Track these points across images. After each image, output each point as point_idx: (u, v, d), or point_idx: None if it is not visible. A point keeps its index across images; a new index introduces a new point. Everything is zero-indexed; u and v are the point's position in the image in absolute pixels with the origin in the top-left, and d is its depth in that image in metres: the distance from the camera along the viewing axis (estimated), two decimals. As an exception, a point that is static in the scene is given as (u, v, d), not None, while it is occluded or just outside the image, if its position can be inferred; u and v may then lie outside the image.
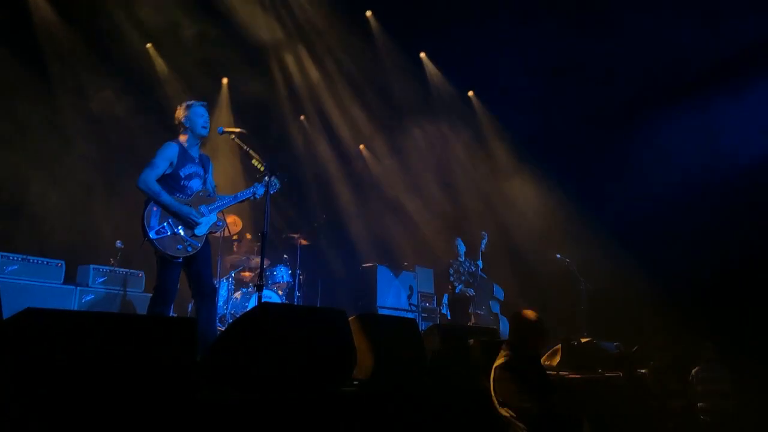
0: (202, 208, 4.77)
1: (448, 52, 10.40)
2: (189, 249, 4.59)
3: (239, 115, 10.34)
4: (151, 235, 4.45)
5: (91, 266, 7.01)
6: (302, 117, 11.62)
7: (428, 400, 3.81)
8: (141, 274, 7.54)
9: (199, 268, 4.72)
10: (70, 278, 6.86)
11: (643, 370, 6.39)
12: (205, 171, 5.01)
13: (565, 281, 9.02)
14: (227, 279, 8.39)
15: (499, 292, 9.14)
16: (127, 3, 8.66)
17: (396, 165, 11.47)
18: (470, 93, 11.30)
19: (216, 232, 4.92)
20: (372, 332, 3.87)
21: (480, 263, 9.03)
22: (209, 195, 4.91)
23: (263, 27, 9.45)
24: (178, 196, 4.68)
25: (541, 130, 10.19)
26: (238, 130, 5.09)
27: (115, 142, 8.82)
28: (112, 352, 2.21)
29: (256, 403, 2.67)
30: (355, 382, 3.51)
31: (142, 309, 7.35)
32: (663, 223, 8.75)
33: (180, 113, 4.89)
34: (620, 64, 9.03)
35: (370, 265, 9.69)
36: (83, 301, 6.78)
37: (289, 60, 10.34)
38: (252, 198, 5.07)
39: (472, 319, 8.63)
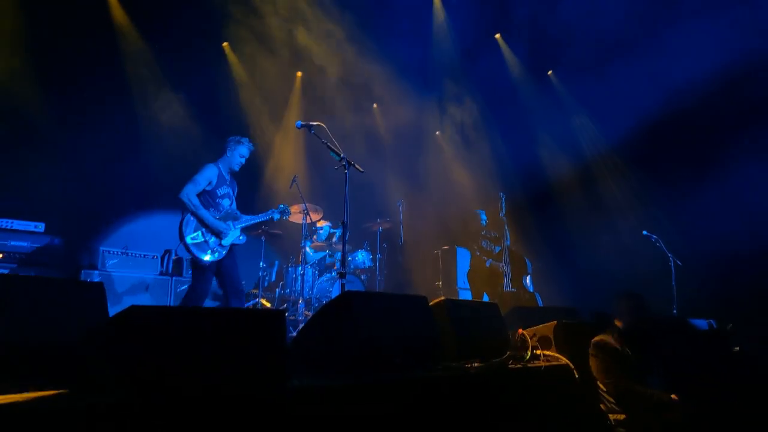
0: (231, 223, 5.62)
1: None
2: (216, 255, 5.42)
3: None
4: (187, 240, 5.29)
5: (184, 257, 7.41)
6: (375, 105, 11.69)
7: (512, 383, 3.80)
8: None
9: (229, 270, 5.54)
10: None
11: (737, 348, 6.04)
12: (234, 193, 5.86)
13: (653, 259, 8.63)
14: (312, 265, 8.63)
15: (529, 266, 8.64)
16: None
17: (472, 149, 11.34)
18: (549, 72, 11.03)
19: (238, 244, 5.71)
20: (453, 317, 3.89)
21: (506, 229, 8.49)
22: (236, 213, 5.76)
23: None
24: (212, 212, 5.52)
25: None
26: (315, 123, 5.26)
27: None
28: (209, 345, 2.35)
29: (342, 388, 2.75)
30: (439, 367, 3.54)
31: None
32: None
33: (229, 144, 5.75)
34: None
35: (448, 247, 9.67)
36: (178, 290, 7.20)
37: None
38: (270, 220, 6.10)
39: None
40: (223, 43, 10.10)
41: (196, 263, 5.35)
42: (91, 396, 2.06)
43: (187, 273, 7.38)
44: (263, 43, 9.52)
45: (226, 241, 5.50)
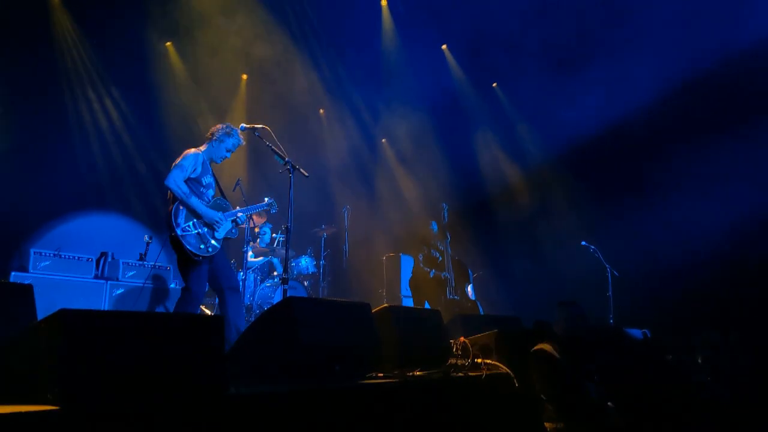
0: (224, 214, 5.10)
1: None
2: (210, 250, 4.90)
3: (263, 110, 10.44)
4: (178, 231, 4.73)
5: (121, 260, 7.14)
6: (321, 110, 11.65)
7: (453, 391, 3.83)
8: (169, 267, 7.67)
9: (221, 266, 5.08)
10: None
11: (669, 357, 6.30)
12: (217, 183, 5.35)
13: (591, 269, 8.89)
14: (253, 270, 8.50)
15: (471, 275, 8.71)
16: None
17: (417, 157, 11.46)
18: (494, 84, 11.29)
19: (231, 238, 5.21)
20: (396, 325, 3.90)
21: (448, 238, 8.54)
22: (224, 204, 5.26)
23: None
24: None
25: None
26: (260, 125, 5.20)
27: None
28: (142, 352, 2.27)
29: (282, 396, 2.72)
30: (380, 375, 3.54)
31: (170, 302, 7.49)
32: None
33: (218, 132, 5.18)
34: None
35: (393, 254, 9.72)
36: (113, 295, 6.91)
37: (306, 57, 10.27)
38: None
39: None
40: (165, 42, 9.85)
41: (188, 259, 4.79)
42: (16, 400, 1.97)
43: (124, 277, 7.11)
44: (207, 44, 9.35)
45: (219, 234, 4.99)
